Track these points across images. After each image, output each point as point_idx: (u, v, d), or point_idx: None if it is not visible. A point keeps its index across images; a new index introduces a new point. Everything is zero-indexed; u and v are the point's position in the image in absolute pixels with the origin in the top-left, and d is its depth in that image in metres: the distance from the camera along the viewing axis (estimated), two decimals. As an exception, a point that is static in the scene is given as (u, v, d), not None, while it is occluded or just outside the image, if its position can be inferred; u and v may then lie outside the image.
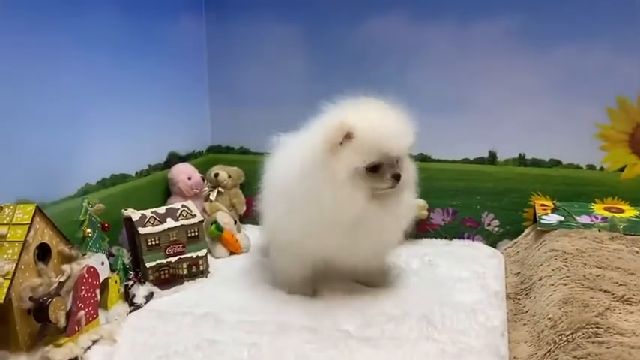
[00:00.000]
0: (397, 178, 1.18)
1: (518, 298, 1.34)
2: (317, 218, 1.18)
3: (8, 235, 1.03)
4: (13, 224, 1.04)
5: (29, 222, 1.04)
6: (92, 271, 1.13)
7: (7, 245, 1.02)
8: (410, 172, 1.27)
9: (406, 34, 1.75)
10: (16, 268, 1.00)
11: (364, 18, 1.78)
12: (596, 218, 1.54)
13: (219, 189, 1.80)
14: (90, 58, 1.41)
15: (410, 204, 1.30)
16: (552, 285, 1.21)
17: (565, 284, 1.18)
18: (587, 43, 1.58)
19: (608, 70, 1.57)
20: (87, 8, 1.39)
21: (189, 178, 1.71)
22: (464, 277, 1.42)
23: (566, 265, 1.27)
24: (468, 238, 1.77)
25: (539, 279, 1.31)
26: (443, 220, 1.79)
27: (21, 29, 1.20)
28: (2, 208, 1.07)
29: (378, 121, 1.19)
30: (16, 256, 1.01)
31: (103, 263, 1.19)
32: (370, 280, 1.37)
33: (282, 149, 1.34)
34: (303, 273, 1.33)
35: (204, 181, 1.77)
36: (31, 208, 1.06)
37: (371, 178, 1.18)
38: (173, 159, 1.78)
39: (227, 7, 1.92)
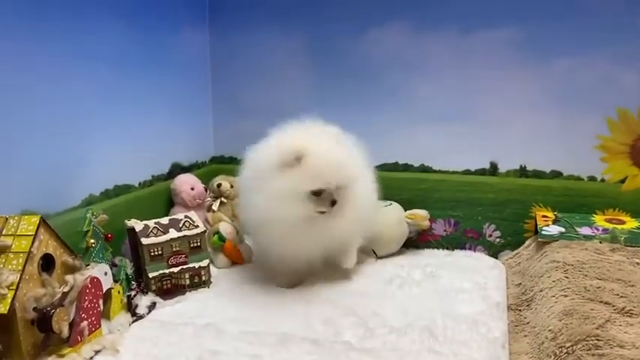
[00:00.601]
0: (333, 204, 1.32)
1: (520, 310, 1.35)
2: (268, 224, 1.36)
3: (13, 245, 1.04)
4: (18, 235, 1.05)
5: (34, 233, 1.05)
6: (95, 282, 1.14)
7: (12, 256, 1.03)
8: (354, 194, 1.38)
9: (407, 44, 1.77)
10: (20, 279, 1.00)
11: (366, 29, 1.80)
12: (597, 229, 1.54)
13: (222, 199, 1.80)
14: (95, 69, 1.42)
15: (353, 218, 1.40)
16: (553, 297, 1.21)
17: (566, 296, 1.18)
18: (588, 54, 1.59)
19: (609, 81, 1.58)
20: (93, 20, 1.40)
21: (192, 189, 1.72)
22: (465, 288, 1.42)
23: (567, 277, 1.27)
24: (470, 248, 1.78)
25: (540, 290, 1.31)
26: (444, 230, 1.80)
27: (26, 40, 1.21)
28: (7, 219, 1.08)
29: (327, 151, 1.32)
30: (20, 267, 1.02)
31: (106, 274, 1.19)
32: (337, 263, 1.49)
33: (249, 158, 1.47)
34: (281, 266, 1.45)
35: (206, 191, 1.78)
36: (36, 219, 1.07)
37: (312, 200, 1.32)
38: (176, 169, 1.79)
39: (230, 19, 1.94)
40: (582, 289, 1.19)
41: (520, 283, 1.48)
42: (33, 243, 1.04)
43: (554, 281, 1.28)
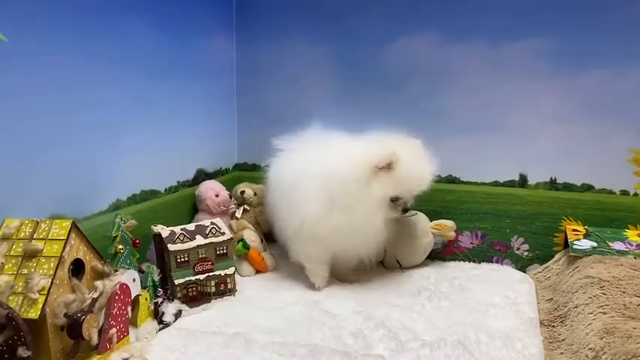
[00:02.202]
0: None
1: (553, 326, 1.31)
2: (347, 223, 1.40)
3: (44, 250, 1.03)
4: (49, 239, 1.04)
5: (65, 237, 1.04)
6: (124, 288, 1.12)
7: (43, 260, 1.02)
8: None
9: (436, 55, 1.75)
10: (51, 284, 0.99)
11: (393, 39, 1.78)
12: (631, 245, 1.51)
13: (245, 206, 1.79)
14: (126, 74, 1.42)
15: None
16: (591, 313, 1.18)
17: (605, 313, 1.15)
18: (622, 66, 1.57)
19: (643, 94, 1.55)
20: (126, 26, 1.40)
21: (217, 195, 1.71)
22: (496, 302, 1.39)
23: (604, 294, 1.24)
24: (497, 262, 1.74)
25: (575, 307, 1.28)
26: (471, 243, 1.76)
27: (61, 44, 1.20)
28: (38, 222, 1.07)
29: (415, 162, 1.41)
30: (51, 272, 1.00)
31: (134, 280, 1.18)
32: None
33: (296, 152, 1.57)
34: (322, 258, 1.51)
35: (231, 198, 1.76)
36: (67, 224, 1.06)
37: (389, 205, 1.42)
38: (201, 175, 1.78)
39: (257, 28, 1.94)
40: (622, 307, 1.16)
41: (551, 299, 1.44)
42: (64, 248, 1.03)
43: (590, 297, 1.25)
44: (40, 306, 0.97)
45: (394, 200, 1.41)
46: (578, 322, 1.20)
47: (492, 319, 1.30)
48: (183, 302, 1.36)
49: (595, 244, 1.52)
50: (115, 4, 1.35)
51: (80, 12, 1.24)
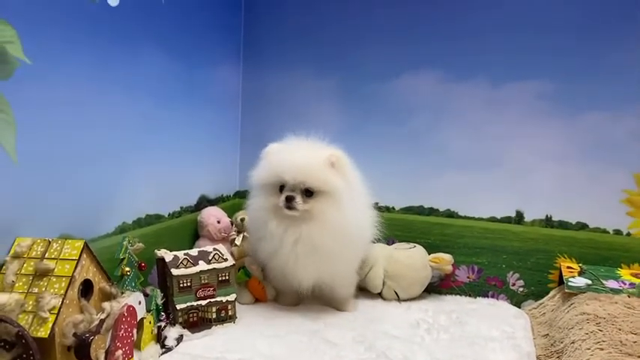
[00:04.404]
0: (288, 199, 1.42)
1: (550, 361, 1.33)
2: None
3: (56, 269, 1.04)
4: (61, 259, 1.05)
5: (77, 257, 1.05)
6: (131, 311, 1.13)
7: (54, 280, 1.03)
8: (337, 211, 1.44)
9: (438, 92, 1.80)
10: (62, 304, 1.00)
11: (397, 75, 1.84)
12: (624, 283, 1.54)
13: (245, 234, 1.80)
14: (138, 100, 1.45)
15: (335, 236, 1.44)
16: (588, 349, 1.20)
17: (602, 349, 1.18)
18: (616, 110, 1.62)
19: (637, 137, 1.61)
20: (139, 52, 1.44)
21: (219, 222, 1.73)
22: (494, 336, 1.41)
23: (600, 330, 1.26)
24: (493, 297, 1.77)
25: (572, 342, 1.30)
26: (468, 277, 1.79)
27: (75, 70, 1.23)
28: (50, 242, 1.08)
29: (287, 151, 1.48)
30: (62, 291, 1.01)
31: (140, 303, 1.19)
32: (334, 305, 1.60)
33: None
34: (282, 285, 1.58)
35: (232, 225, 1.78)
36: (80, 244, 1.07)
37: (275, 195, 1.47)
38: (203, 201, 1.80)
39: (263, 59, 1.99)
40: (618, 343, 1.19)
41: (547, 334, 1.46)
42: (76, 268, 1.04)
43: (587, 333, 1.27)
44: (50, 325, 0.97)
45: (280, 189, 1.45)
46: (575, 358, 1.22)
47: (491, 352, 1.32)
48: (184, 327, 1.36)
49: (590, 282, 1.55)
50: (128, 31, 1.39)
51: (95, 34, 1.28)
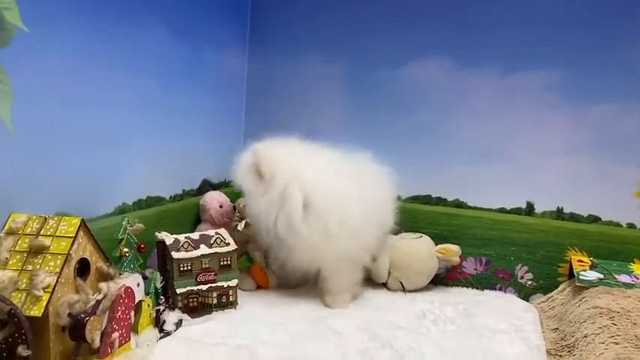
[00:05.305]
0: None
1: (560, 355, 1.29)
2: None
3: (51, 246, 1.00)
4: (57, 236, 1.01)
5: (74, 235, 1.01)
6: (129, 292, 1.09)
7: (49, 257, 0.99)
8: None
9: (447, 80, 1.76)
10: (56, 282, 0.96)
11: (406, 62, 1.79)
12: (637, 278, 1.50)
13: (247, 220, 1.76)
14: (141, 79, 1.41)
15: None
16: (602, 343, 1.16)
17: (617, 343, 1.13)
18: (629, 102, 1.58)
19: (649, 130, 1.56)
20: (142, 30, 1.40)
21: (221, 206, 1.69)
22: (502, 329, 1.37)
23: (614, 324, 1.22)
24: (500, 289, 1.72)
25: (584, 336, 1.25)
26: (475, 269, 1.75)
27: (78, 43, 1.19)
28: (46, 219, 1.04)
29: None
30: (57, 269, 0.97)
31: (138, 285, 1.15)
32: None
33: None
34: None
35: (235, 210, 1.74)
36: (77, 221, 1.03)
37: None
38: (205, 186, 1.76)
39: (270, 42, 1.94)
40: (633, 337, 1.14)
41: (557, 328, 1.42)
42: (72, 245, 1.00)
43: (600, 327, 1.23)
44: (44, 304, 0.93)
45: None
46: (589, 352, 1.17)
47: (499, 344, 1.27)
48: (183, 312, 1.32)
49: (601, 276, 1.51)
50: (131, 2, 1.35)
51: (98, 10, 1.24)
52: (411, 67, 1.79)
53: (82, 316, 0.97)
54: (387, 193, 1.59)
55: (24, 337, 0.89)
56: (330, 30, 1.87)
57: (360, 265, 1.54)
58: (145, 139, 1.44)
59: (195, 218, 1.72)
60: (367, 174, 1.55)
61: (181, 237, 1.40)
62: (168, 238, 1.38)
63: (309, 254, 1.43)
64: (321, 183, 1.41)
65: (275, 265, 1.59)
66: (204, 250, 1.39)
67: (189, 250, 1.37)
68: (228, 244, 1.43)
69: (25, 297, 0.94)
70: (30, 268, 0.97)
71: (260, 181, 1.43)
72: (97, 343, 0.99)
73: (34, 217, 1.04)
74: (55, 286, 0.95)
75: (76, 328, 0.96)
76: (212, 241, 1.41)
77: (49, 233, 1.02)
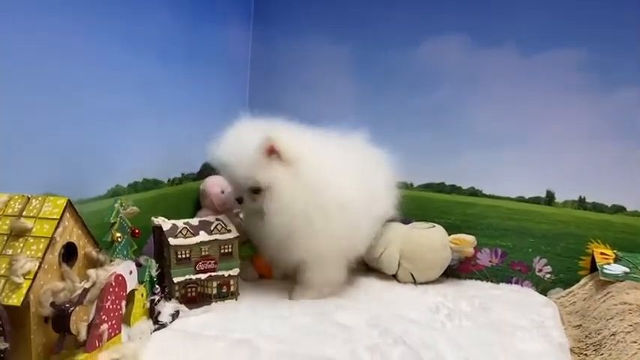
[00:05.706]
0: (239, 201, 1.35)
1: (585, 354, 1.20)
2: None
3: (34, 229, 0.91)
4: (40, 218, 0.92)
5: (58, 217, 0.92)
6: (120, 280, 1.00)
7: (32, 241, 0.90)
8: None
9: (462, 60, 1.67)
10: (38, 268, 0.87)
11: (420, 41, 1.70)
12: (665, 272, 1.40)
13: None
14: (137, 57, 1.33)
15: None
16: (634, 342, 1.07)
17: (651, 342, 1.04)
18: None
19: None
20: (141, 8, 1.32)
21: (222, 192, 1.60)
22: (522, 325, 1.28)
23: (646, 321, 1.12)
24: (517, 283, 1.63)
25: (612, 335, 1.16)
26: (490, 261, 1.65)
27: (67, 26, 1.11)
28: (29, 198, 0.95)
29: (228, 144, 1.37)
30: (40, 254, 0.88)
31: (131, 272, 1.05)
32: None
33: None
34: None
35: (237, 196, 1.65)
36: (62, 202, 0.94)
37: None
38: (207, 170, 1.67)
39: (275, 22, 1.85)
40: (668, 336, 1.05)
41: (580, 325, 1.33)
42: (56, 228, 0.91)
43: (630, 325, 1.14)
44: (24, 292, 0.84)
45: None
46: (619, 352, 1.08)
47: (520, 341, 1.19)
48: (181, 302, 1.24)
49: (627, 270, 1.41)
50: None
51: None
52: (425, 46, 1.70)
53: (67, 305, 0.88)
54: (389, 180, 1.51)
55: (1, 329, 0.81)
56: (338, 9, 1.77)
57: (345, 261, 1.44)
58: (141, 118, 1.36)
59: (195, 204, 1.63)
60: (370, 159, 1.48)
61: (179, 222, 1.31)
62: (165, 224, 1.29)
63: (309, 243, 1.33)
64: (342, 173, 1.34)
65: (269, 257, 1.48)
66: (203, 236, 1.30)
67: (188, 237, 1.28)
68: (229, 231, 1.34)
69: (4, 284, 0.85)
70: (10, 252, 0.88)
71: (281, 166, 1.28)
72: (83, 335, 0.90)
73: (16, 197, 0.95)
74: (36, 272, 0.87)
75: (59, 318, 0.87)
76: (212, 228, 1.33)
77: (31, 214, 0.93)
